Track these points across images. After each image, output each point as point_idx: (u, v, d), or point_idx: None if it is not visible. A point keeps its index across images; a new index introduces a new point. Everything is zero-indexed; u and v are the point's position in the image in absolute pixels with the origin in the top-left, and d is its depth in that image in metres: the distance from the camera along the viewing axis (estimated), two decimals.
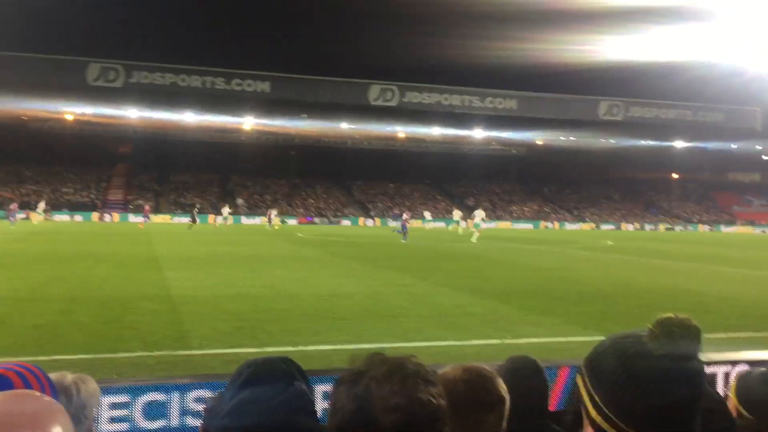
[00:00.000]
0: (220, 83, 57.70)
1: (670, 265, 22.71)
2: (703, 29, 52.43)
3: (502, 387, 1.92)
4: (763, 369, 2.32)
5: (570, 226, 69.26)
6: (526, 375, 2.51)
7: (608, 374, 1.25)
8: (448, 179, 79.19)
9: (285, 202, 68.67)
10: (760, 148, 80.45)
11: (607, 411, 1.23)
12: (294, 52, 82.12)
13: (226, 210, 54.60)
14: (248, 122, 68.52)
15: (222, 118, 64.50)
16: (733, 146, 77.79)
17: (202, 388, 3.08)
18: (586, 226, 69.56)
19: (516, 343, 9.13)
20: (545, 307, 12.51)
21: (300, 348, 8.45)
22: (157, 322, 10.08)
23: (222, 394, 1.51)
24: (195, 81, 57.03)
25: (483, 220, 38.82)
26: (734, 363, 4.22)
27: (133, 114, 64.53)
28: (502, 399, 1.88)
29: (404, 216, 37.70)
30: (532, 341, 9.30)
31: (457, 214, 52.21)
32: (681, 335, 1.23)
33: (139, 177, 69.85)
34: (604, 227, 69.58)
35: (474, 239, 35.64)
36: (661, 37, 53.27)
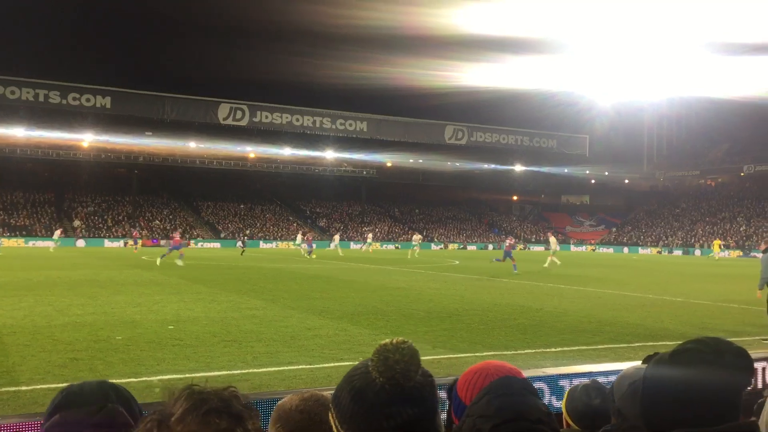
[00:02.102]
0: (54, 97, 54.11)
1: (509, 284, 23.93)
2: (541, 61, 56.43)
3: None
4: (586, 381, 2.48)
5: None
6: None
7: (345, 409, 1.31)
8: (300, 199, 79.11)
9: (128, 223, 65.33)
10: (589, 172, 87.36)
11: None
12: (139, 67, 78.84)
13: (57, 233, 50.87)
14: (87, 139, 64.63)
15: (57, 134, 60.44)
16: (566, 170, 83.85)
17: (31, 429, 2.82)
18: (436, 247, 71.93)
19: None
20: (395, 327, 12.73)
21: (143, 378, 8.01)
22: None
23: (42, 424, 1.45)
24: (27, 94, 53.16)
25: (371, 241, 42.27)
26: (568, 377, 4.49)
27: None
28: None
29: (308, 236, 43.75)
30: None
31: (416, 237, 51.72)
32: (394, 360, 1.28)
33: None
34: (452, 246, 72.24)
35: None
36: (504, 67, 56.61)
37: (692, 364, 1.47)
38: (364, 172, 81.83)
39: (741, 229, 69.95)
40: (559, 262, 35.89)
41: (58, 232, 51.07)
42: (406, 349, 1.34)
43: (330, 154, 73.97)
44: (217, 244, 63.15)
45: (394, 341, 1.36)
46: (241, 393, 1.13)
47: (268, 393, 4.83)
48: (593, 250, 75.80)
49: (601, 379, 2.77)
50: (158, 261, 30.41)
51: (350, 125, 64.83)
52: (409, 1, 45.08)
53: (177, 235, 34.27)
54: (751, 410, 2.86)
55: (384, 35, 48.98)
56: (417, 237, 52.03)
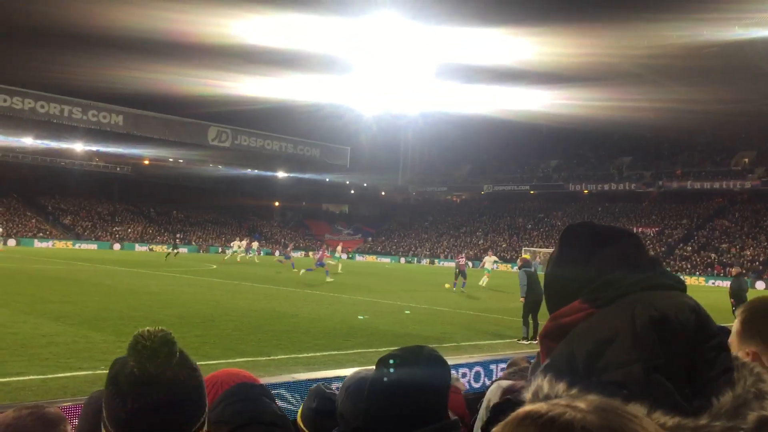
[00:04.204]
0: None
1: (268, 289, 23.93)
2: (311, 76, 57.51)
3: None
4: (312, 386, 2.54)
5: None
6: (99, 410, 2.33)
7: (106, 397, 1.36)
8: (41, 194, 71.90)
9: None
10: (348, 182, 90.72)
11: (107, 424, 1.34)
12: None
13: None
14: None
15: None
16: (327, 179, 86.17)
17: None
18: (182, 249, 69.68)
19: None
20: None
21: None
22: None
23: None
24: None
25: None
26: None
27: None
28: None
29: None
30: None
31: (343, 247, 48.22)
32: (143, 345, 1.33)
33: None
34: (212, 250, 70.48)
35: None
36: (274, 80, 56.77)
37: (395, 369, 1.62)
38: (118, 169, 76.76)
39: (479, 242, 77.08)
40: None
41: None
42: (158, 337, 1.35)
43: (79, 147, 68.17)
44: None
45: (150, 329, 1.38)
46: None
47: None
48: (349, 258, 78.66)
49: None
50: None
51: (104, 117, 60.37)
52: (179, 8, 43.60)
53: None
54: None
55: (150, 40, 46.59)
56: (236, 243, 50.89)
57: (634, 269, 1.18)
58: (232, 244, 51.78)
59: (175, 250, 48.47)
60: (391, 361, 1.66)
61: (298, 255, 58.39)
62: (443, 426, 1.57)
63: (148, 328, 1.38)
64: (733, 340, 1.81)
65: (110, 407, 1.33)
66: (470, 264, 37.64)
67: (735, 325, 1.85)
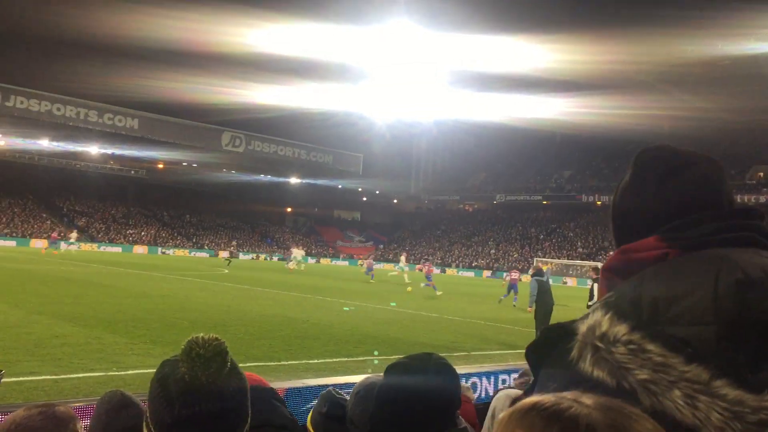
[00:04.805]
0: None
1: (278, 295, 23.98)
2: (325, 84, 57.70)
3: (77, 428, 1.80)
4: (323, 392, 2.56)
5: (197, 253, 68.93)
6: (112, 410, 2.36)
7: (152, 392, 1.36)
8: (57, 196, 72.49)
9: None
10: (361, 189, 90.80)
11: (151, 424, 1.35)
12: None
13: None
14: None
15: None
16: (339, 186, 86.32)
17: None
18: (203, 254, 69.94)
19: (121, 375, 8.63)
20: (156, 336, 12.12)
21: None
22: None
23: None
24: None
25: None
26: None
27: None
28: None
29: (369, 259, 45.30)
30: (139, 372, 8.88)
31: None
32: (197, 353, 1.34)
33: None
34: (223, 255, 70.69)
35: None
36: (288, 88, 57.02)
37: (403, 376, 1.64)
38: (132, 172, 77.29)
39: (491, 252, 76.91)
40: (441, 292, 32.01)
41: None
42: (212, 346, 1.36)
43: (94, 150, 68.69)
44: None
45: (205, 336, 1.39)
46: None
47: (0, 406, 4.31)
48: (362, 265, 78.62)
49: None
50: None
51: (120, 121, 60.76)
52: (195, 18, 44.03)
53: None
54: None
55: (166, 48, 46.99)
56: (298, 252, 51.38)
57: (719, 208, 1.10)
58: (292, 252, 51.71)
59: (233, 258, 48.68)
60: (401, 366, 1.68)
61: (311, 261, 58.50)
62: None
63: (202, 334, 1.40)
64: None
65: (156, 409, 1.34)
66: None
67: None
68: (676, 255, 1.04)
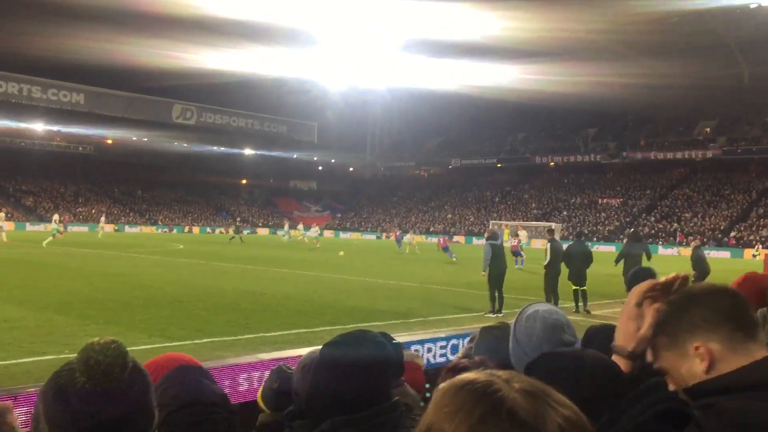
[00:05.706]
0: None
1: (234, 268, 23.84)
2: (276, 49, 56.62)
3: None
4: (274, 367, 2.57)
5: (146, 229, 67.79)
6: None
7: (49, 406, 1.31)
8: (1, 176, 70.27)
9: None
10: (316, 159, 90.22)
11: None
12: None
13: None
14: None
15: None
16: (294, 156, 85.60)
17: None
18: (149, 229, 68.89)
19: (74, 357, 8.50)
20: (109, 316, 11.97)
21: None
22: None
23: None
24: None
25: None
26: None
27: None
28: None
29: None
30: None
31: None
32: (96, 360, 1.29)
33: None
34: (176, 230, 69.82)
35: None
36: (238, 53, 55.80)
37: (339, 350, 1.66)
38: (80, 148, 75.30)
39: (448, 216, 77.47)
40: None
41: None
42: (111, 350, 1.31)
43: (40, 127, 66.66)
44: None
45: (101, 341, 1.34)
46: None
47: None
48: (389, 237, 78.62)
49: None
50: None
51: (65, 96, 59.16)
52: None
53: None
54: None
55: (110, 8, 45.12)
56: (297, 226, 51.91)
57: None
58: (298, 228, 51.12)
59: (239, 233, 47.97)
60: (334, 344, 1.70)
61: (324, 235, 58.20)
62: (384, 408, 1.61)
63: (98, 339, 1.35)
64: None
65: (58, 424, 1.27)
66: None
67: None
68: None
